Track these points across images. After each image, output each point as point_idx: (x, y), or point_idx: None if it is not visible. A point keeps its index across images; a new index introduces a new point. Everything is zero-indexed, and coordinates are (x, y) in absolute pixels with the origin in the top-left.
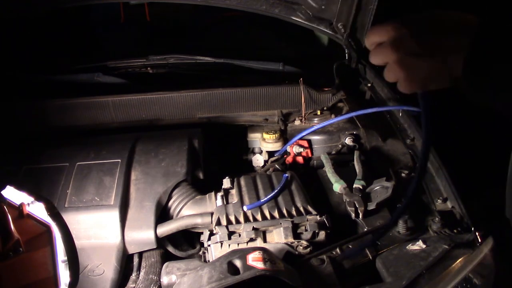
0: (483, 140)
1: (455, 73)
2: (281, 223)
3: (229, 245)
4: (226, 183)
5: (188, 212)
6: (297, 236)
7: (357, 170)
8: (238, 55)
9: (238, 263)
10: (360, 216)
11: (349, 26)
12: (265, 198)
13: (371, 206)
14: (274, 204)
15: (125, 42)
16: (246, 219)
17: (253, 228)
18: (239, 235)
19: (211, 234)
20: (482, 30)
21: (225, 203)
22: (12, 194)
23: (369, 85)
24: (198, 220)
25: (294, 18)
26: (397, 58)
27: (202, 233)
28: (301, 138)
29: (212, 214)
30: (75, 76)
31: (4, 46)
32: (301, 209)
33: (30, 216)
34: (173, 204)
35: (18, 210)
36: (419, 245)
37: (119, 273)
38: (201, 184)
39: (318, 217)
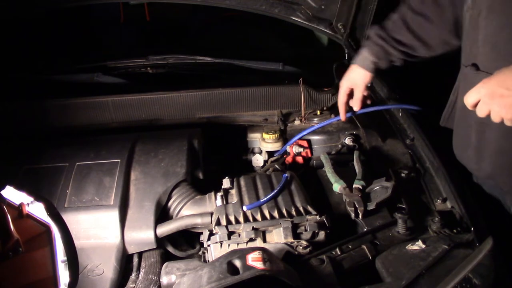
0: None
1: None
2: (280, 223)
3: (228, 245)
4: (226, 183)
5: (187, 212)
6: (296, 236)
7: (357, 170)
8: (238, 55)
9: (237, 263)
10: (360, 216)
11: (349, 26)
12: (265, 198)
13: (371, 206)
14: (273, 204)
15: (125, 42)
16: (246, 219)
17: (253, 228)
18: (239, 235)
19: (211, 234)
20: None
21: (224, 203)
22: (12, 194)
23: (368, 85)
24: (198, 220)
25: (294, 18)
26: None
27: (201, 233)
28: (300, 138)
29: (211, 214)
30: (75, 76)
31: (4, 46)
32: (301, 209)
33: (29, 216)
34: (173, 204)
35: (18, 210)
36: (418, 245)
37: (119, 273)
38: (201, 184)
39: (317, 217)
